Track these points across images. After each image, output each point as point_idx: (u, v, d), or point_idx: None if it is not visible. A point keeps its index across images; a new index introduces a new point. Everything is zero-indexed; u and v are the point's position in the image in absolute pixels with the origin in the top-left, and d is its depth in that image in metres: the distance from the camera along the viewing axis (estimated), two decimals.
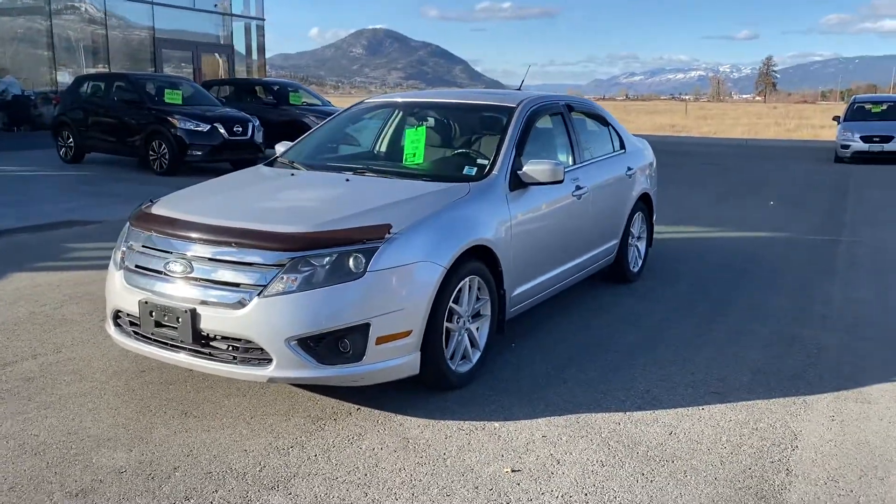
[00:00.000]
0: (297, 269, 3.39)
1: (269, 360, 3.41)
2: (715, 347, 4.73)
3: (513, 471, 3.15)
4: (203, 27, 23.44)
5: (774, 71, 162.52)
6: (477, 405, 3.79)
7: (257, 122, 13.31)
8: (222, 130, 12.61)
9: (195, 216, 3.74)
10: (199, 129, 12.48)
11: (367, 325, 3.42)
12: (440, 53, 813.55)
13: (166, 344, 3.62)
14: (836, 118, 21.36)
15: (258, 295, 3.38)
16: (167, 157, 12.56)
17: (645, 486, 3.04)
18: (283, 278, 3.39)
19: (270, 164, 5.03)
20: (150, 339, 3.68)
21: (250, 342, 3.41)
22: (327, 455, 3.25)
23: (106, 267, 4.12)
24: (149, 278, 3.66)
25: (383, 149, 5.36)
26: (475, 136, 5.06)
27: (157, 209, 3.94)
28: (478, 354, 4.08)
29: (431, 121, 5.20)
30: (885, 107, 20.81)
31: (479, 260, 3.96)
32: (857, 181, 14.60)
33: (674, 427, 3.59)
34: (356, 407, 3.72)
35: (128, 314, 3.77)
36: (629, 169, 6.04)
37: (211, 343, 3.50)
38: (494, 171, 4.37)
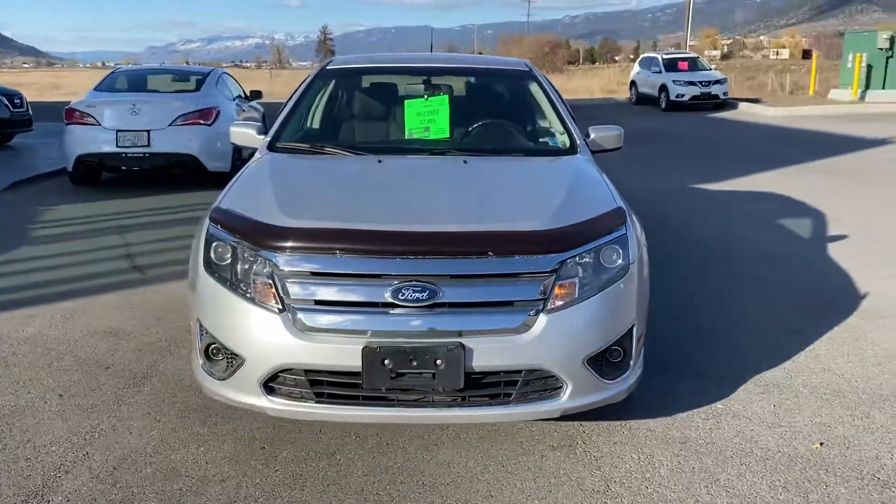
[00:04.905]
0: (569, 273, 2.78)
1: (559, 389, 2.76)
2: (751, 294, 5.05)
3: (821, 444, 3.06)
4: None
5: (329, 39, 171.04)
6: (655, 393, 3.52)
7: None
8: None
9: (395, 224, 2.80)
10: None
11: (633, 327, 2.97)
12: None
13: (391, 401, 2.70)
14: None
15: (543, 312, 2.70)
16: None
17: None
18: (561, 286, 2.75)
19: (273, 150, 3.88)
20: (364, 399, 2.69)
21: (535, 371, 2.72)
22: (657, 486, 2.79)
23: None
24: (360, 315, 2.65)
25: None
26: (498, 102, 4.55)
27: (313, 222, 2.82)
28: None
29: (447, 89, 4.51)
30: None
31: None
32: None
33: (884, 364, 3.82)
34: (578, 424, 3.22)
35: (308, 371, 2.69)
36: None
37: (481, 383, 2.70)
38: (577, 142, 4.03)
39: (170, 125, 8.51)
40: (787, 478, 2.82)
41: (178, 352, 3.98)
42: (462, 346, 2.61)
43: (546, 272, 2.73)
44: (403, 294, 2.64)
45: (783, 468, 2.89)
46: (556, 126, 4.17)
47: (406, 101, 4.23)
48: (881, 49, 23.15)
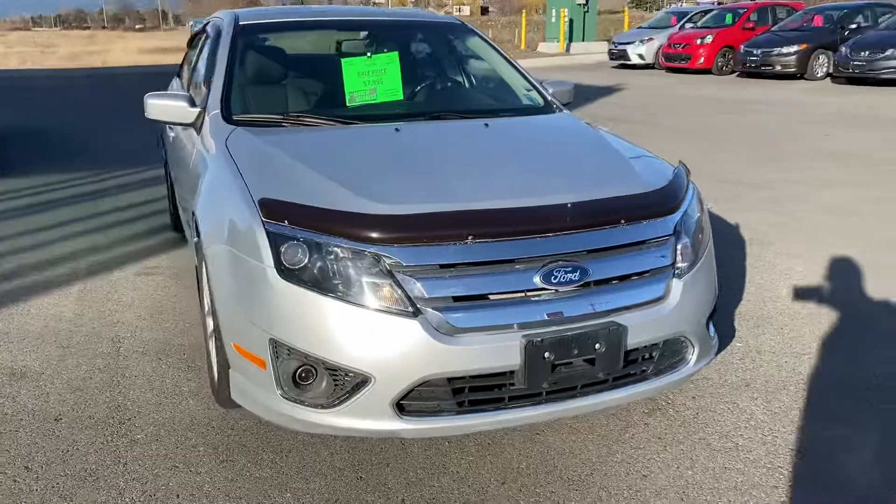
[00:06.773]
0: (683, 233, 2.68)
1: (684, 353, 2.67)
2: None
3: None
4: None
5: None
6: None
7: None
8: None
9: (512, 199, 2.46)
10: None
11: None
12: None
13: (539, 395, 2.41)
14: None
15: (675, 276, 2.57)
16: None
17: None
18: (680, 248, 2.64)
19: (233, 124, 3.20)
20: (511, 400, 2.37)
21: (669, 340, 2.59)
22: (771, 432, 2.84)
23: None
24: (509, 307, 2.31)
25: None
26: (449, 59, 4.18)
27: (421, 205, 2.37)
28: None
29: (392, 45, 4.01)
30: None
31: None
32: None
33: (813, 287, 4.16)
34: None
35: (451, 379, 2.30)
36: None
37: (629, 361, 2.51)
38: (548, 97, 3.88)
39: None
40: (863, 405, 3.01)
41: (132, 383, 3.19)
42: (617, 325, 2.40)
43: (669, 235, 2.60)
44: (556, 277, 2.34)
45: (849, 394, 3.08)
46: (519, 81, 3.97)
47: (343, 61, 3.73)
48: (579, 5, 25.61)
